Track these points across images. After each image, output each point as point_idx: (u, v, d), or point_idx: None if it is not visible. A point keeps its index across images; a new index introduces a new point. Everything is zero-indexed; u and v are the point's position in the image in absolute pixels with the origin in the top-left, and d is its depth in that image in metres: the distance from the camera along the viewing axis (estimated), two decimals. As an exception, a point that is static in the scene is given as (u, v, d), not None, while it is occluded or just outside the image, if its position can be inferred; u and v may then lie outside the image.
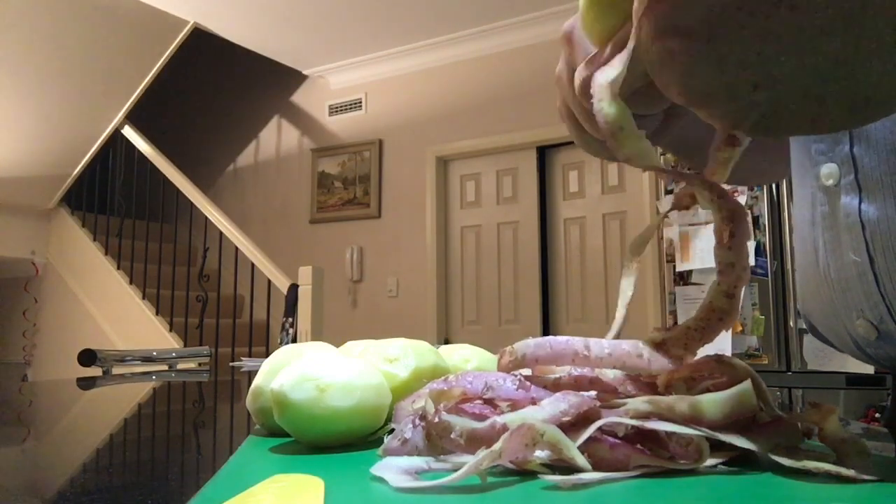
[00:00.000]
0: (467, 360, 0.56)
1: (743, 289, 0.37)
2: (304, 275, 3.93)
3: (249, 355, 4.06)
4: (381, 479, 0.33)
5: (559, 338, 0.40)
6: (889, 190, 0.47)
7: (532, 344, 0.40)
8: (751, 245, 2.66)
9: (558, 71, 0.42)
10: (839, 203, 0.50)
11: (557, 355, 0.39)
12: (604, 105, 0.35)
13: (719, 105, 0.31)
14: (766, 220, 2.65)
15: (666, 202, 2.88)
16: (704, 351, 0.39)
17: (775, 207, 2.65)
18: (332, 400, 0.42)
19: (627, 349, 0.38)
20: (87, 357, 1.45)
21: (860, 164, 0.48)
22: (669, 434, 0.35)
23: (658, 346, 0.38)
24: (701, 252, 2.75)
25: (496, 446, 0.32)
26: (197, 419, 0.77)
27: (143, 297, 4.74)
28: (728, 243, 0.36)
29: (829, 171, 0.51)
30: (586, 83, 0.37)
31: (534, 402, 0.37)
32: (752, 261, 2.65)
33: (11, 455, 0.53)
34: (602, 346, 0.39)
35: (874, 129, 0.47)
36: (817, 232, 0.53)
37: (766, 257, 2.64)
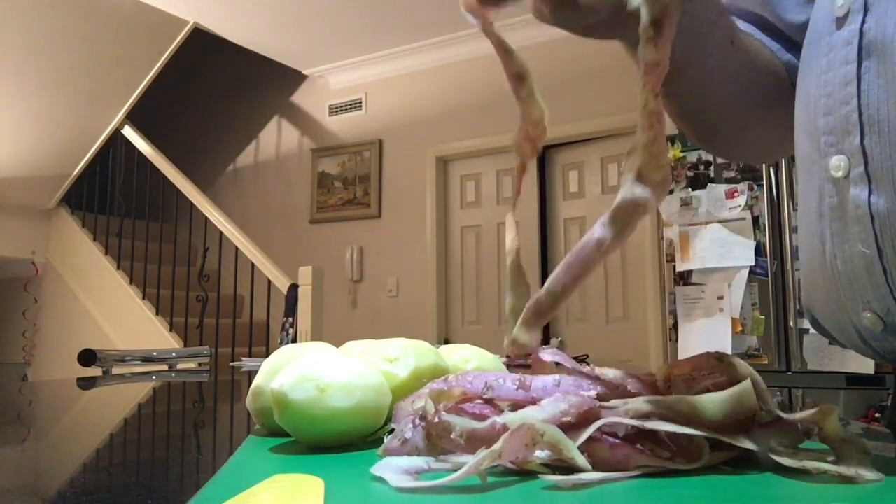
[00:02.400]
0: (467, 360, 0.56)
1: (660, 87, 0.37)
2: (304, 275, 3.93)
3: (249, 355, 4.06)
4: (381, 479, 0.33)
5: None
6: None
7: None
8: (751, 245, 2.66)
9: None
10: (848, 195, 0.50)
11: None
12: None
13: None
14: (766, 220, 2.65)
15: (666, 203, 2.88)
16: (704, 348, 0.39)
17: (775, 207, 2.64)
18: (332, 400, 0.42)
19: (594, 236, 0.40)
20: (87, 357, 1.45)
21: (870, 155, 0.48)
22: (669, 434, 0.35)
23: (640, 178, 0.39)
24: (701, 252, 2.75)
25: (496, 446, 0.32)
26: (197, 419, 0.77)
27: (143, 297, 4.74)
28: (654, 40, 0.36)
29: (838, 162, 0.51)
30: None
31: (534, 402, 0.37)
32: (752, 261, 2.65)
33: (11, 455, 0.53)
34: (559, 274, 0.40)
35: (886, 121, 0.47)
36: (825, 224, 0.53)
37: (766, 257, 2.64)
